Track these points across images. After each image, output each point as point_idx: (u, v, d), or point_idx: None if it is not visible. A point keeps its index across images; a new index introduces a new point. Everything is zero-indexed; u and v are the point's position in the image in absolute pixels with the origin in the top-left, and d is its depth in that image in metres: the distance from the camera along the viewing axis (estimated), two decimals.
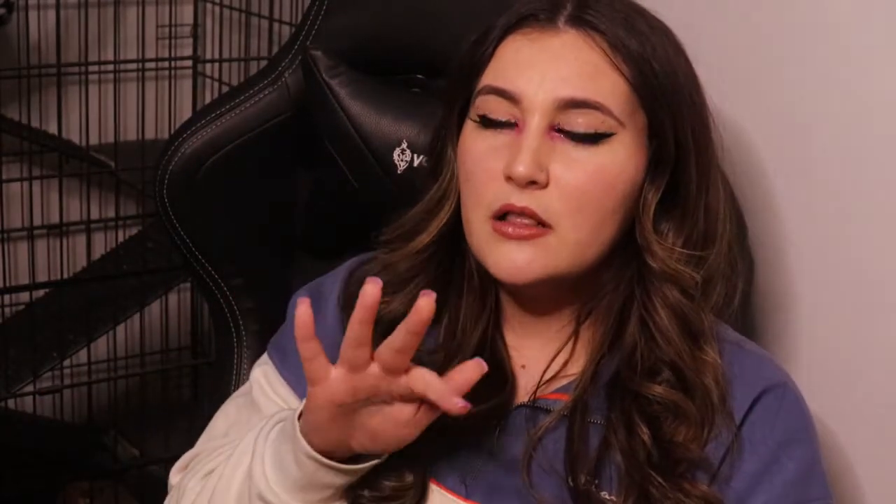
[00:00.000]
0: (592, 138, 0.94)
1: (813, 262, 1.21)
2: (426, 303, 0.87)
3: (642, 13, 1.00)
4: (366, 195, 1.30)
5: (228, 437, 1.09)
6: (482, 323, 1.04)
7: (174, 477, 1.10)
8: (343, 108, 1.29)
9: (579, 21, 0.96)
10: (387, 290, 1.05)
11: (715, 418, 0.97)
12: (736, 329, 1.06)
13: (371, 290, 0.88)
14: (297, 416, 0.96)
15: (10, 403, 2.31)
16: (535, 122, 0.94)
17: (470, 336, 1.04)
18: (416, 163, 1.26)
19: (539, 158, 0.93)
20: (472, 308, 1.04)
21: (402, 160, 1.27)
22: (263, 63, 1.56)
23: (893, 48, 1.10)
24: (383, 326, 1.04)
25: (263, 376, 1.11)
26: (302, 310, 0.90)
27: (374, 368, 0.91)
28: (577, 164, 0.94)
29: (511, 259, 0.95)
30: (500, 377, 1.03)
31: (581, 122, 0.94)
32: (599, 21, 0.96)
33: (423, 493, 1.01)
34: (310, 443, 0.95)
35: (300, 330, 0.91)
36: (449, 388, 0.89)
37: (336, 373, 0.92)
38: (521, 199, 0.94)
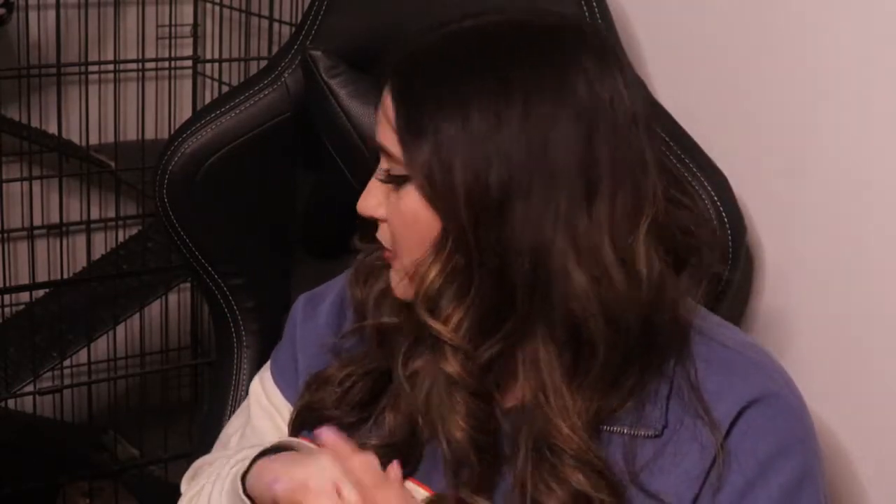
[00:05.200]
0: (393, 181, 0.96)
1: (815, 264, 1.21)
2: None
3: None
4: None
5: (230, 450, 1.12)
6: None
7: (183, 485, 1.13)
8: (343, 108, 1.29)
9: (392, 89, 0.98)
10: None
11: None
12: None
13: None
14: (240, 484, 0.98)
15: (10, 403, 2.31)
16: (379, 164, 0.99)
17: None
18: None
19: (378, 196, 0.98)
20: None
21: None
22: (263, 63, 1.56)
23: None
24: (387, 304, 1.05)
25: (260, 383, 1.14)
26: None
27: None
28: (390, 203, 0.98)
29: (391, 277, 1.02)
30: None
31: (384, 165, 0.98)
32: (400, 106, 0.95)
33: None
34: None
35: None
36: None
37: None
38: (379, 230, 1.00)
